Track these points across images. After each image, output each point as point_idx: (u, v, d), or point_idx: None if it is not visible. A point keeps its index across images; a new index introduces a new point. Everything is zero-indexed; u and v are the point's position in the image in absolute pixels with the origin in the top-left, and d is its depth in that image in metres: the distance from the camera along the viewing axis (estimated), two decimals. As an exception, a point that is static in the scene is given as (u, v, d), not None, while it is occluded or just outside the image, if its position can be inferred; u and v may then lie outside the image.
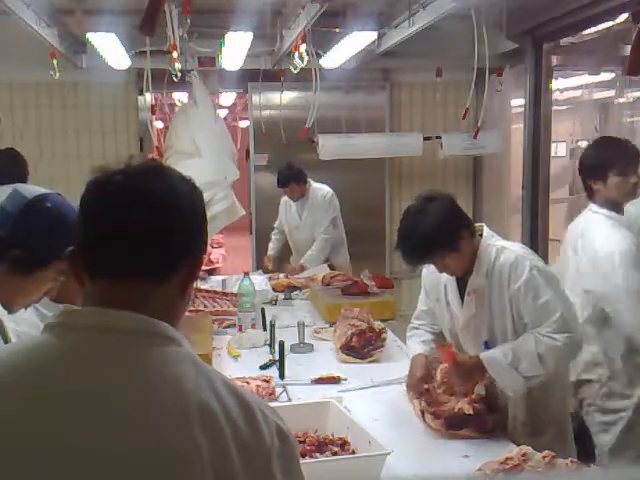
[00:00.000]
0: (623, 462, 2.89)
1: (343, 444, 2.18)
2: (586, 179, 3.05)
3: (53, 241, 1.56)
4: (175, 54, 4.33)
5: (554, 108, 5.83)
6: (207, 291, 4.46)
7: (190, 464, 0.98)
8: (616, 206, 2.97)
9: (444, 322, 2.74)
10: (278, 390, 2.82)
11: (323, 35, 4.93)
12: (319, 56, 5.21)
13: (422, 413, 2.48)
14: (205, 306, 4.20)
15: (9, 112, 6.15)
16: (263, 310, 3.80)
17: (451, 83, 6.22)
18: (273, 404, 2.16)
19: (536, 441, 2.26)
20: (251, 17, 4.45)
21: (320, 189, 5.58)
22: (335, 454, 2.13)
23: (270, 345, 3.40)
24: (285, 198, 5.66)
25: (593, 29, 5.04)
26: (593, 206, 3.01)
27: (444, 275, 2.62)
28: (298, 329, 3.45)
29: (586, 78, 6.85)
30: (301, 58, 4.41)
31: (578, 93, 7.48)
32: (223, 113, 9.49)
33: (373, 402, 2.75)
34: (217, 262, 8.22)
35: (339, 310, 3.66)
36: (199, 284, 4.43)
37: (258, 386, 2.75)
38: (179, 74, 4.70)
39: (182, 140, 4.91)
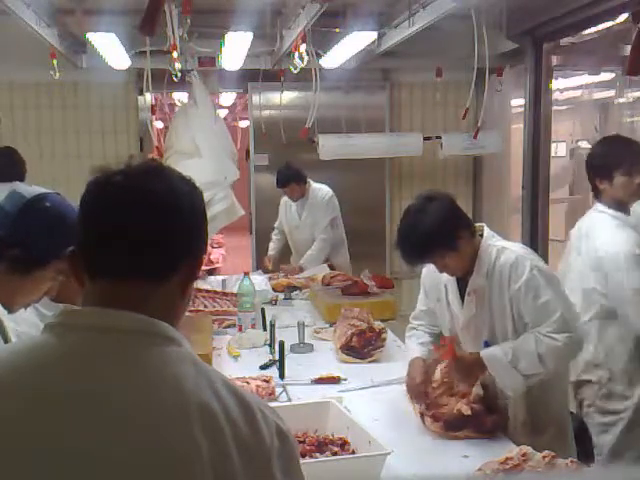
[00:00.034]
0: (622, 463, 2.89)
1: (343, 444, 2.18)
2: (592, 178, 3.05)
3: (52, 241, 1.56)
4: (175, 54, 4.33)
5: (554, 108, 5.84)
6: (207, 291, 4.45)
7: (190, 464, 0.98)
8: (622, 206, 2.96)
9: (444, 322, 2.74)
10: (278, 390, 2.82)
11: (323, 35, 4.94)
12: (319, 56, 5.21)
13: (422, 416, 2.48)
14: (205, 306, 4.20)
15: (9, 112, 6.15)
16: (263, 310, 3.80)
17: (451, 83, 6.23)
18: (273, 404, 2.17)
19: (536, 441, 2.26)
20: (251, 17, 4.45)
21: (320, 189, 5.58)
22: (335, 454, 2.13)
23: (270, 345, 3.40)
24: (285, 198, 5.65)
25: (593, 29, 5.05)
26: (599, 205, 3.00)
27: (444, 275, 2.62)
28: (298, 329, 3.45)
29: (586, 78, 6.86)
30: (301, 58, 4.41)
31: (578, 93, 7.49)
32: (223, 113, 9.49)
33: (373, 402, 2.75)
34: (217, 262, 8.22)
35: (339, 310, 3.66)
36: (199, 284, 4.43)
37: (258, 386, 2.75)
38: (179, 74, 4.70)
39: (182, 140, 4.91)
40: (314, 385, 2.93)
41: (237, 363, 3.29)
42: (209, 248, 7.59)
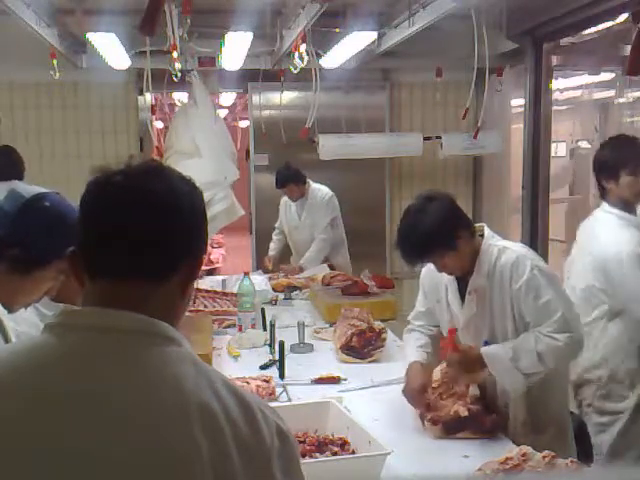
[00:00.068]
0: (620, 463, 2.89)
1: (343, 444, 2.18)
2: (599, 178, 3.05)
3: (51, 240, 1.56)
4: (175, 54, 4.33)
5: (554, 108, 5.84)
6: (207, 291, 4.46)
7: (190, 464, 0.98)
8: (628, 206, 2.96)
9: (444, 322, 2.74)
10: (278, 390, 2.82)
11: (323, 35, 4.93)
12: (319, 56, 5.21)
13: (421, 418, 2.48)
14: (205, 306, 4.21)
15: (9, 112, 6.15)
16: (263, 310, 3.80)
17: (451, 83, 6.22)
18: (273, 404, 2.16)
19: (536, 441, 2.26)
20: (251, 17, 4.45)
21: (319, 190, 5.58)
22: (335, 454, 2.13)
23: (270, 345, 3.40)
24: (285, 198, 5.66)
25: (593, 29, 5.05)
26: (605, 205, 3.00)
27: (444, 275, 2.62)
28: (298, 329, 3.45)
29: (586, 78, 6.86)
30: (301, 58, 4.41)
31: (578, 93, 7.49)
32: (223, 113, 9.49)
33: (373, 402, 2.75)
34: (217, 262, 8.24)
35: (339, 310, 3.66)
36: (199, 284, 4.43)
37: (258, 386, 2.75)
38: (179, 74, 4.70)
39: (182, 140, 4.91)
40: (314, 385, 2.93)
41: (237, 363, 3.29)
42: (209, 248, 7.60)
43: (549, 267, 2.61)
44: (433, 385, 2.53)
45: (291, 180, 5.43)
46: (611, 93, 6.99)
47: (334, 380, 2.97)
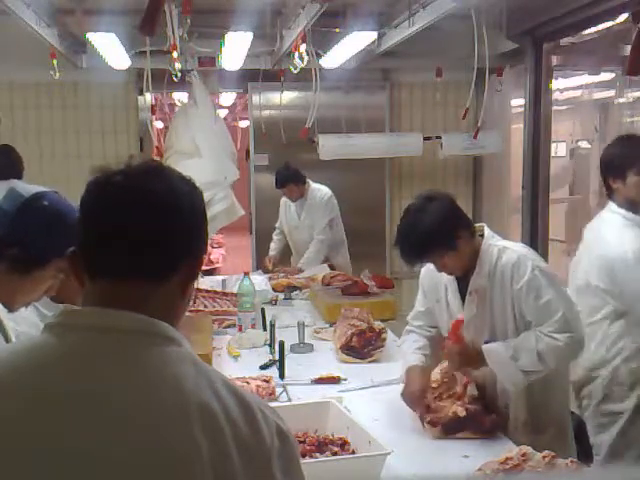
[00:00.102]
0: (620, 463, 2.89)
1: (343, 444, 2.18)
2: (606, 177, 3.04)
3: (50, 239, 1.56)
4: (175, 54, 4.33)
5: (554, 108, 5.83)
6: (207, 291, 4.46)
7: (190, 464, 0.98)
8: (634, 206, 2.96)
9: (443, 322, 2.74)
10: (278, 390, 2.82)
11: (323, 35, 4.93)
12: (319, 56, 5.21)
13: (421, 419, 2.48)
14: (205, 306, 4.21)
15: (9, 112, 6.14)
16: (263, 310, 3.80)
17: (451, 83, 6.22)
18: (273, 404, 2.16)
19: (536, 441, 2.26)
20: (251, 17, 4.45)
21: (319, 190, 5.58)
22: (335, 454, 2.13)
23: (270, 345, 3.40)
24: (285, 198, 5.66)
25: (593, 29, 5.04)
26: (612, 205, 3.00)
27: (444, 275, 2.62)
28: (298, 329, 3.45)
29: (586, 78, 6.86)
30: (301, 58, 4.41)
31: (578, 93, 7.48)
32: (223, 113, 9.49)
33: (373, 402, 2.75)
34: (217, 262, 8.25)
35: (339, 310, 3.66)
36: (199, 284, 4.43)
37: (258, 386, 2.75)
38: (179, 74, 4.70)
39: (182, 140, 4.91)
40: (314, 385, 2.93)
41: (237, 363, 3.29)
42: (209, 248, 7.60)
43: (550, 267, 2.61)
44: (432, 385, 2.52)
45: (291, 180, 5.44)
46: (611, 93, 6.99)
47: (334, 380, 2.97)
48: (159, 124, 8.01)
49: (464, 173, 6.88)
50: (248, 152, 6.77)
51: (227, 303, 4.23)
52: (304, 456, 2.05)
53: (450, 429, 2.39)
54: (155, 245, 1.09)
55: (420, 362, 2.69)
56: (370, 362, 3.25)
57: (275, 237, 5.84)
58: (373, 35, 4.76)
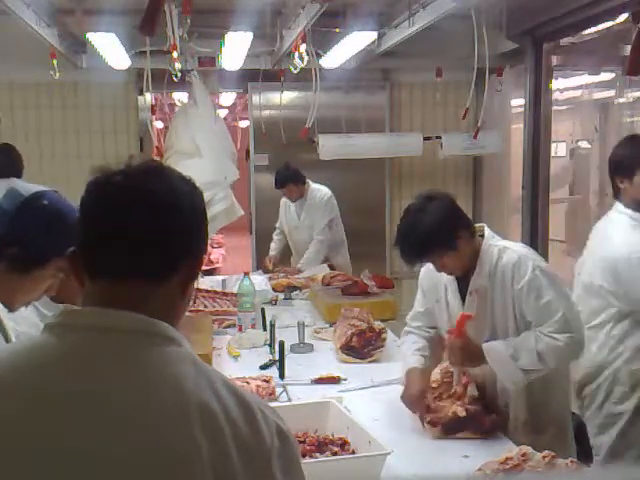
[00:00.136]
0: (620, 463, 2.89)
1: (343, 444, 2.18)
2: (613, 177, 3.03)
3: (50, 239, 1.56)
4: (175, 54, 4.33)
5: (554, 108, 5.83)
6: (207, 291, 4.46)
7: (190, 464, 0.98)
8: None
9: (442, 323, 2.74)
10: (278, 390, 2.82)
11: (323, 35, 4.93)
12: (319, 56, 5.21)
13: (421, 419, 2.48)
14: (205, 306, 4.21)
15: (9, 112, 6.14)
16: (263, 310, 3.80)
17: (451, 83, 6.22)
18: (273, 404, 2.16)
19: (536, 441, 2.26)
20: (251, 17, 4.45)
21: (319, 190, 5.58)
22: (335, 454, 2.13)
23: (270, 345, 3.40)
24: (285, 198, 5.66)
25: (593, 29, 5.04)
26: (619, 205, 2.99)
27: (444, 275, 2.62)
28: (298, 329, 3.45)
29: (586, 78, 6.86)
30: (301, 58, 4.41)
31: (578, 93, 7.48)
32: (223, 113, 9.49)
33: (373, 402, 2.75)
34: (217, 262, 8.24)
35: (339, 310, 3.66)
36: (199, 284, 4.43)
37: (258, 386, 2.75)
38: (179, 74, 4.70)
39: (182, 140, 4.91)
40: (314, 385, 2.93)
41: (237, 363, 3.29)
42: (209, 248, 7.60)
43: (551, 267, 2.61)
44: (432, 385, 2.52)
45: (290, 180, 5.44)
46: (611, 93, 6.99)
47: (334, 380, 2.97)
48: (159, 124, 8.01)
49: (464, 173, 6.88)
50: (248, 152, 6.77)
51: (227, 303, 4.23)
52: (304, 456, 2.05)
53: (450, 429, 2.39)
54: (155, 245, 1.09)
55: (420, 364, 2.69)
56: (370, 362, 3.25)
57: (275, 237, 5.84)
58: (373, 35, 4.75)
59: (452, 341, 2.49)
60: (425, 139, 6.20)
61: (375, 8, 4.78)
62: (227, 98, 8.62)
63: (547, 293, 2.43)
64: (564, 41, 5.40)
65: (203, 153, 4.77)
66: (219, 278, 5.16)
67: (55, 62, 4.92)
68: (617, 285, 2.87)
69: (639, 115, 6.82)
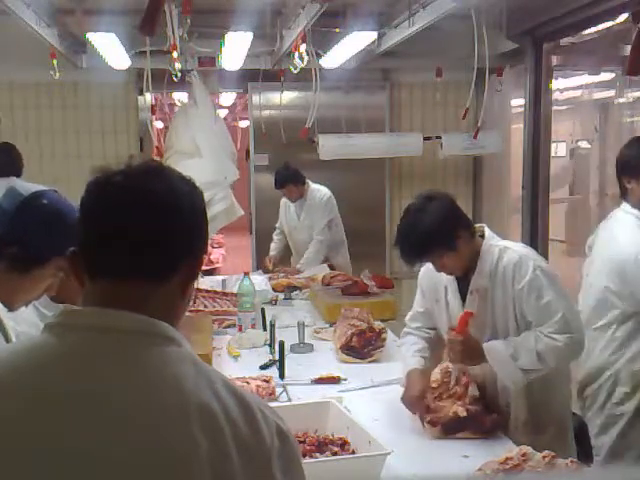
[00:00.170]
0: (620, 464, 2.89)
1: (343, 444, 2.18)
2: (621, 177, 3.03)
3: (49, 238, 1.56)
4: (175, 54, 4.33)
5: (554, 108, 5.83)
6: (207, 291, 4.46)
7: (190, 464, 0.98)
8: None
9: (442, 323, 2.74)
10: (278, 390, 2.82)
11: (323, 35, 4.93)
12: (319, 56, 5.21)
13: (421, 419, 2.48)
14: (205, 306, 4.21)
15: (9, 112, 6.14)
16: (263, 310, 3.80)
17: (451, 83, 6.22)
18: (273, 404, 2.16)
19: (536, 441, 2.26)
20: (251, 17, 4.45)
21: (318, 190, 5.58)
22: (335, 454, 2.13)
23: (270, 345, 3.40)
24: (285, 199, 5.66)
25: (593, 29, 5.04)
26: (626, 206, 2.99)
27: (444, 276, 2.62)
28: (298, 329, 3.45)
29: (586, 78, 6.86)
30: (301, 58, 4.41)
31: (578, 93, 7.49)
32: (223, 113, 9.50)
33: (373, 402, 2.75)
34: (217, 262, 8.24)
35: (339, 310, 3.66)
36: (199, 284, 4.43)
37: (258, 386, 2.75)
38: (179, 74, 4.70)
39: (182, 140, 4.91)
40: (314, 385, 2.93)
41: (237, 363, 3.29)
42: (209, 248, 7.60)
43: (551, 267, 2.61)
44: (432, 385, 2.52)
45: (290, 180, 5.44)
46: (611, 93, 6.99)
47: (334, 380, 2.97)
48: (159, 124, 8.01)
49: (464, 173, 6.88)
50: (248, 152, 6.77)
51: (227, 303, 4.23)
52: (304, 456, 2.05)
53: (450, 429, 2.39)
54: (155, 245, 1.09)
55: (419, 365, 2.69)
56: (370, 362, 3.25)
57: (275, 237, 5.84)
58: (373, 35, 4.75)
59: (453, 337, 2.49)
60: (425, 139, 6.20)
61: (375, 8, 4.78)
62: (227, 98, 8.62)
63: (547, 293, 2.43)
64: (564, 41, 5.40)
65: (203, 153, 4.78)
66: (219, 278, 5.16)
67: (55, 62, 4.92)
68: (623, 285, 2.87)
69: (639, 115, 6.82)
